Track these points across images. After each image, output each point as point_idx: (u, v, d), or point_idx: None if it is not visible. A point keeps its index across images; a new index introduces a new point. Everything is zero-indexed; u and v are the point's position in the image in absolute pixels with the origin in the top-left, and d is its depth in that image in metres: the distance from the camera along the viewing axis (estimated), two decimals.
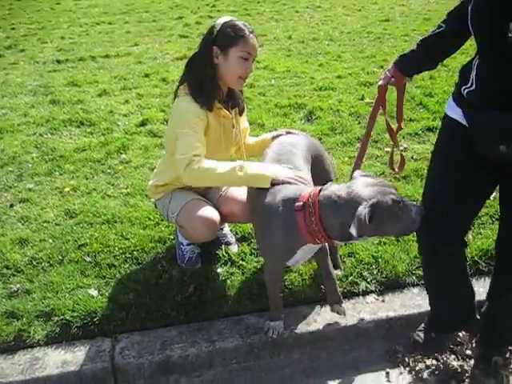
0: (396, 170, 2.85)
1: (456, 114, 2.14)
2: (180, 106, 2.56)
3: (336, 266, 2.74)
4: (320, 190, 2.15)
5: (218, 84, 2.56)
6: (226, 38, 2.47)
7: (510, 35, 1.85)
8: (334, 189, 2.12)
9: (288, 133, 2.75)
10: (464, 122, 2.09)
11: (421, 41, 2.36)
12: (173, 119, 2.64)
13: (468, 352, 2.56)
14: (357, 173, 2.21)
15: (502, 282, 2.32)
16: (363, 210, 1.95)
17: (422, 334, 2.52)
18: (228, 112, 2.64)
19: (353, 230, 1.97)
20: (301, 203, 2.14)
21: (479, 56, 2.01)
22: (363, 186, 2.07)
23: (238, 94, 2.72)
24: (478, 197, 2.22)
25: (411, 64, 2.40)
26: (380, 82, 2.52)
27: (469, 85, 2.03)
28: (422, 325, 2.55)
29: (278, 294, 2.53)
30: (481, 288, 2.55)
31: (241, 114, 2.79)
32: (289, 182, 2.28)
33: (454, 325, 2.50)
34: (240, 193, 2.77)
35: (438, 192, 2.21)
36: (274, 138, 2.74)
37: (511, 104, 1.90)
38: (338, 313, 2.57)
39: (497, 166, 2.07)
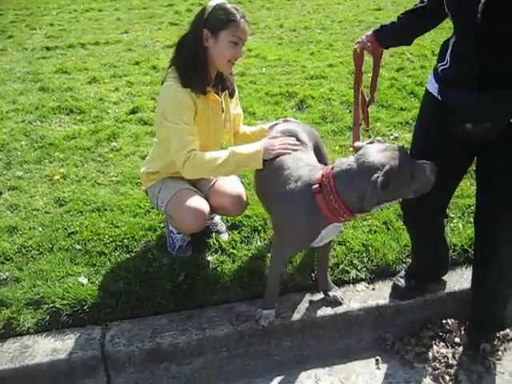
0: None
1: (434, 89, 2.21)
2: (169, 93, 2.51)
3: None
4: (332, 168, 2.16)
5: (208, 67, 2.54)
6: (217, 20, 2.44)
7: (479, 16, 1.89)
8: (345, 163, 2.13)
9: (285, 121, 2.75)
10: (440, 98, 2.16)
11: (401, 14, 2.38)
12: (161, 107, 2.54)
13: (457, 340, 2.58)
14: (362, 142, 2.20)
15: (482, 260, 2.41)
16: (377, 179, 1.97)
17: (402, 280, 2.65)
18: (217, 96, 2.62)
19: (370, 200, 2.00)
20: (317, 185, 2.15)
21: (454, 35, 2.06)
22: (373, 153, 2.07)
23: (228, 76, 2.69)
24: (457, 168, 2.30)
25: (389, 36, 2.40)
26: (356, 46, 2.52)
27: (444, 62, 2.10)
28: (403, 272, 2.70)
29: (278, 282, 2.51)
30: (470, 276, 2.56)
31: (231, 96, 2.77)
32: (283, 153, 2.38)
33: (431, 276, 2.69)
34: (230, 185, 2.78)
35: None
36: (271, 127, 2.73)
37: (481, 84, 1.97)
38: (335, 300, 2.58)
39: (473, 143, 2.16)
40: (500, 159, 2.13)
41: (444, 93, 2.11)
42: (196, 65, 2.48)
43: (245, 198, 2.78)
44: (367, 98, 2.71)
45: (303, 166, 2.32)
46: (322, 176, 2.15)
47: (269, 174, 2.41)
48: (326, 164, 2.54)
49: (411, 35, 2.39)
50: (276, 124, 2.73)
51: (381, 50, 2.49)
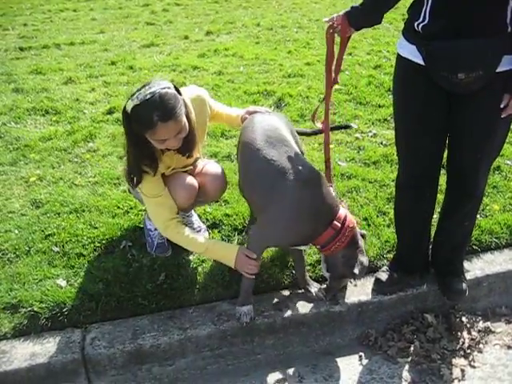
0: (319, 125, 2.80)
1: (408, 51, 2.26)
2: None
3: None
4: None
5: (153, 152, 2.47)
6: (136, 126, 2.29)
7: None
8: None
9: (254, 112, 2.77)
10: (416, 60, 2.21)
11: None
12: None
13: (437, 335, 2.59)
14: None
15: (453, 197, 2.54)
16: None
17: (384, 274, 2.68)
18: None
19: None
20: (339, 225, 2.34)
21: None
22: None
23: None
24: (442, 128, 2.36)
25: (359, 16, 2.37)
26: (326, 19, 2.48)
27: (421, 19, 2.13)
28: (385, 267, 2.73)
29: (252, 277, 2.50)
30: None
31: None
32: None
33: (414, 267, 2.72)
34: (212, 167, 2.79)
35: (406, 132, 2.43)
36: (245, 115, 2.78)
37: (465, 32, 2.03)
38: (318, 297, 2.58)
39: (451, 97, 2.24)
40: (478, 106, 2.20)
41: (428, 48, 2.13)
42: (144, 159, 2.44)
43: (224, 179, 2.79)
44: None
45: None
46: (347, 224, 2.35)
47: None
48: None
49: (381, 11, 2.36)
50: (254, 112, 2.75)
51: (349, 33, 2.46)
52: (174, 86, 2.35)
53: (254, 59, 6.03)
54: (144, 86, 2.29)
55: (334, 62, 2.62)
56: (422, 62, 2.19)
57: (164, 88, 2.28)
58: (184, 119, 2.34)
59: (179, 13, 8.73)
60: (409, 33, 2.23)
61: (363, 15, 2.36)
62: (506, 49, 2.06)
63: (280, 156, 2.39)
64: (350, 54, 6.04)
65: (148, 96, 2.23)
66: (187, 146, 2.50)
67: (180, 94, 2.36)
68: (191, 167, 2.77)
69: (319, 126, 2.77)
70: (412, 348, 2.54)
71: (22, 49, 6.67)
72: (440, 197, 2.73)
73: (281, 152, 2.41)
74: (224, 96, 4.84)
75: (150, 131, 2.27)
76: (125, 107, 2.30)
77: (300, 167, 2.37)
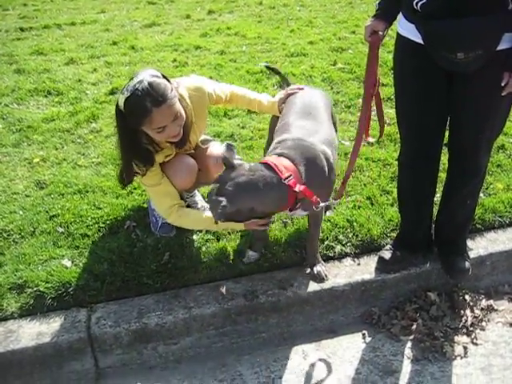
0: (369, 139, 2.68)
1: (407, 30, 2.23)
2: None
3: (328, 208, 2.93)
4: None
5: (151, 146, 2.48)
6: (132, 119, 2.29)
7: None
8: None
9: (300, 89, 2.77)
10: (415, 39, 2.18)
11: None
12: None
13: (440, 313, 2.61)
14: None
15: (455, 176, 2.54)
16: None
17: (388, 253, 2.68)
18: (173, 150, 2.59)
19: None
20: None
21: None
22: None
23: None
24: (443, 108, 2.35)
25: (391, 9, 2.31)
26: (369, 39, 2.34)
27: None
28: (389, 245, 2.73)
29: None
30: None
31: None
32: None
33: (417, 246, 2.73)
34: (215, 149, 2.77)
35: (407, 111, 2.43)
36: (289, 94, 2.74)
37: (464, 11, 1.99)
38: (319, 275, 2.59)
39: (451, 75, 2.22)
40: (478, 85, 2.18)
41: (426, 27, 2.11)
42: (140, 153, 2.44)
43: None
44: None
45: None
46: None
47: None
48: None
49: None
50: (291, 93, 2.74)
51: (379, 41, 2.35)
52: (162, 74, 2.35)
53: (257, 38, 5.98)
54: (131, 79, 2.29)
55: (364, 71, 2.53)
56: (421, 41, 2.16)
57: (151, 75, 2.28)
58: (178, 105, 2.34)
59: None
60: (408, 11, 2.19)
61: (392, 2, 2.30)
62: (507, 26, 2.02)
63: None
64: (354, 32, 5.99)
65: (137, 85, 2.23)
66: (180, 141, 2.49)
67: (169, 81, 2.36)
68: (192, 151, 2.77)
69: (370, 139, 2.67)
70: (415, 326, 2.55)
71: (22, 29, 6.63)
72: (442, 175, 2.73)
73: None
74: (226, 76, 4.81)
75: (146, 120, 2.27)
76: (117, 104, 2.29)
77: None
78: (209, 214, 2.36)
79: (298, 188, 2.18)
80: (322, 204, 2.26)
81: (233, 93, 2.80)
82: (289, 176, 2.18)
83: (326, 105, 2.68)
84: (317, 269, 2.60)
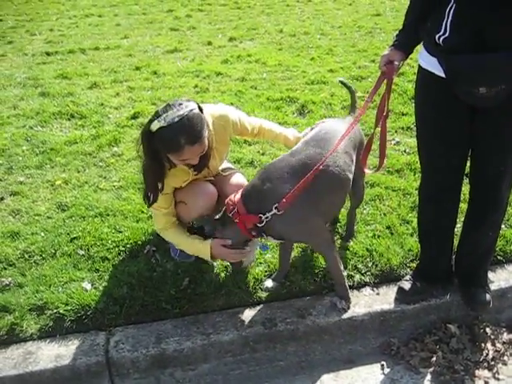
0: (367, 170, 2.73)
1: (428, 63, 2.24)
2: None
3: (349, 235, 2.97)
4: None
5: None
6: (161, 147, 2.33)
7: None
8: None
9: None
10: (437, 72, 2.19)
11: (408, 21, 2.35)
12: None
13: (461, 346, 2.57)
14: None
15: (477, 208, 2.51)
16: None
17: (407, 283, 2.66)
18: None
19: None
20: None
21: (456, 3, 2.03)
22: None
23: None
24: (464, 141, 2.34)
25: (410, 40, 2.33)
26: (384, 68, 2.36)
27: (441, 32, 2.09)
28: (408, 276, 2.71)
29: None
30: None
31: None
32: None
33: (437, 277, 2.70)
34: (235, 178, 2.80)
35: (428, 143, 2.43)
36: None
37: (487, 45, 2.00)
38: (342, 307, 2.58)
39: (473, 109, 2.22)
40: (500, 119, 2.19)
41: (449, 62, 2.11)
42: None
43: None
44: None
45: None
46: None
47: None
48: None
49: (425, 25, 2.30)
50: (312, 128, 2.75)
51: (403, 62, 2.40)
52: (198, 106, 2.38)
53: (277, 66, 6.05)
54: (170, 106, 2.30)
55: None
56: (442, 75, 2.17)
57: (191, 110, 2.30)
58: (206, 140, 2.39)
59: (202, 19, 8.80)
60: (429, 45, 2.21)
61: (412, 36, 2.33)
62: None
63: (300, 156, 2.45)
64: (373, 60, 6.04)
65: (176, 119, 2.25)
66: (201, 162, 2.52)
67: (202, 112, 2.39)
68: (212, 178, 2.80)
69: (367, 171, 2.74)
70: (435, 358, 2.52)
71: (48, 53, 6.78)
72: (463, 206, 2.72)
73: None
74: (247, 102, 4.86)
75: (175, 153, 2.32)
76: (148, 127, 2.31)
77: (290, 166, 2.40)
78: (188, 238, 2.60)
79: (238, 218, 2.36)
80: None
81: (261, 126, 2.84)
82: (232, 209, 2.37)
83: (351, 137, 2.62)
84: (342, 304, 2.59)
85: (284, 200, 2.30)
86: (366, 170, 2.67)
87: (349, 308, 2.59)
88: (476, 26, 2.00)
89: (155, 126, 2.27)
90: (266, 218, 2.32)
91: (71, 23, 8.64)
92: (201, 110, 2.39)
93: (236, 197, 2.40)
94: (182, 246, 2.67)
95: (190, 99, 2.40)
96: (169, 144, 2.30)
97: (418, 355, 2.55)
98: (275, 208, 2.30)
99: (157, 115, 2.30)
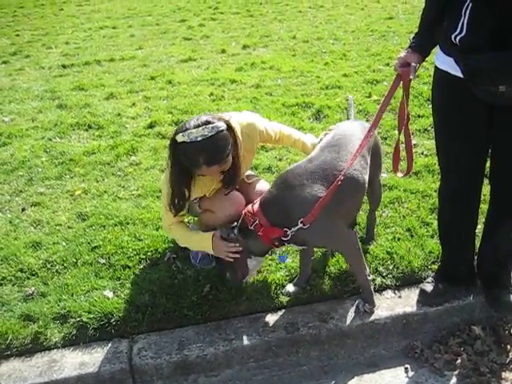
0: (400, 174, 2.69)
1: (446, 64, 2.23)
2: (164, 178, 2.59)
3: (369, 238, 2.97)
4: None
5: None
6: (183, 159, 2.36)
7: None
8: None
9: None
10: (454, 72, 2.18)
11: (423, 24, 2.35)
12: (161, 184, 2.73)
13: (486, 348, 2.54)
14: None
15: (498, 209, 2.48)
16: None
17: (429, 286, 2.65)
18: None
19: None
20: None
21: (472, 2, 2.02)
22: None
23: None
24: (483, 140, 2.33)
25: (427, 42, 2.32)
26: (399, 70, 2.36)
27: (458, 31, 2.08)
28: (430, 278, 2.69)
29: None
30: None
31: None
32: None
33: (460, 278, 2.67)
34: (260, 185, 2.83)
35: (447, 144, 2.41)
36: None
37: (504, 44, 1.98)
38: (364, 310, 2.58)
39: (492, 108, 2.20)
40: None
41: (467, 61, 2.09)
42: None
43: None
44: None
45: None
46: None
47: None
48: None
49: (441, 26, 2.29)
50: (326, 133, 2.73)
51: (410, 76, 2.39)
52: (227, 124, 2.38)
53: (291, 72, 6.07)
54: (197, 122, 2.31)
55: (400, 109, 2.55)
56: (459, 75, 2.15)
57: (218, 132, 2.31)
58: (229, 159, 2.40)
59: (215, 27, 8.86)
60: (445, 45, 2.19)
61: (430, 39, 2.32)
62: None
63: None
64: (388, 64, 6.02)
65: (199, 138, 2.27)
66: (230, 180, 2.57)
67: (232, 130, 2.40)
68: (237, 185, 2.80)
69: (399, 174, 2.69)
70: (459, 361, 2.49)
71: (64, 66, 6.88)
72: (483, 207, 2.70)
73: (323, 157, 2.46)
74: (263, 109, 4.87)
75: (196, 170, 2.39)
76: (175, 136, 2.33)
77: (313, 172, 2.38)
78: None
79: (261, 231, 2.36)
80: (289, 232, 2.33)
81: (281, 132, 2.85)
82: (253, 221, 2.36)
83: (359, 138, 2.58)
84: (366, 307, 2.58)
85: (309, 214, 2.29)
86: (398, 174, 2.65)
87: (372, 312, 2.57)
88: (493, 25, 1.99)
89: (180, 138, 2.30)
90: (292, 232, 2.32)
91: (86, 36, 8.75)
92: (230, 127, 2.39)
93: (255, 207, 2.39)
94: (186, 240, 2.68)
95: (222, 117, 2.41)
96: (188, 159, 2.33)
97: (442, 358, 2.52)
98: (301, 222, 2.30)
99: (183, 128, 2.32)
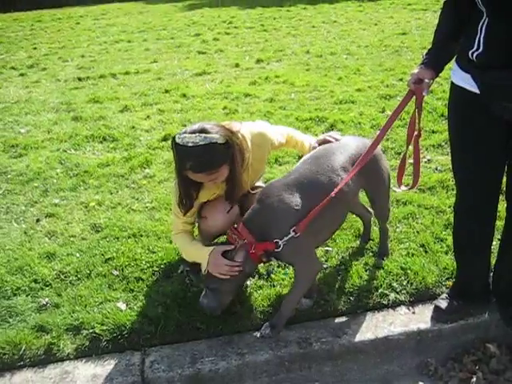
0: (403, 188, 2.69)
1: (462, 80, 2.22)
2: (174, 186, 2.62)
3: (383, 254, 2.95)
4: None
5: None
6: (175, 161, 2.45)
7: None
8: None
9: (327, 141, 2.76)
10: (471, 89, 2.17)
11: (438, 36, 2.33)
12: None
13: (501, 366, 2.51)
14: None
15: None
16: None
17: (444, 302, 2.62)
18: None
19: None
20: None
21: (489, 18, 2.02)
22: None
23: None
24: (499, 156, 2.31)
25: (442, 57, 2.30)
26: (412, 86, 2.35)
27: (475, 48, 2.08)
28: (445, 294, 2.66)
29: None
30: None
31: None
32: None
33: (475, 295, 2.64)
34: None
35: (463, 160, 2.39)
36: (315, 144, 2.80)
37: None
38: (262, 335, 2.53)
39: (509, 124, 2.18)
40: None
41: (483, 78, 2.10)
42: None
43: None
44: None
45: None
46: None
47: None
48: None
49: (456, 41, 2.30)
50: (324, 142, 2.76)
51: (433, 80, 2.37)
52: (227, 139, 2.38)
53: (305, 86, 6.09)
54: (195, 128, 2.35)
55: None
56: (477, 91, 2.15)
57: (211, 142, 2.32)
58: (222, 170, 2.41)
59: (229, 41, 8.93)
60: (462, 61, 2.19)
61: (444, 54, 2.31)
62: None
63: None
64: (401, 79, 6.02)
65: (190, 144, 2.30)
66: (230, 193, 2.59)
67: (231, 146, 2.40)
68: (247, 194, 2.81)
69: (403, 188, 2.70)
70: (474, 379, 2.46)
71: (80, 79, 6.96)
72: (499, 223, 2.67)
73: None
74: (276, 123, 4.86)
75: (180, 170, 2.42)
76: (175, 136, 2.38)
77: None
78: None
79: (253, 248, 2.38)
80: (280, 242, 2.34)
81: (288, 136, 2.89)
82: (242, 242, 2.40)
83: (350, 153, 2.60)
84: (266, 331, 2.52)
85: (301, 223, 2.32)
86: (402, 187, 2.65)
87: (272, 337, 2.51)
88: (509, 41, 1.99)
89: (176, 139, 2.36)
90: (284, 242, 2.34)
91: (102, 49, 8.86)
92: (228, 144, 2.39)
93: (240, 227, 2.42)
94: (185, 249, 2.69)
95: (228, 130, 2.44)
96: (177, 160, 2.41)
97: (456, 376, 2.49)
98: (293, 231, 2.32)
99: (183, 130, 2.39)
